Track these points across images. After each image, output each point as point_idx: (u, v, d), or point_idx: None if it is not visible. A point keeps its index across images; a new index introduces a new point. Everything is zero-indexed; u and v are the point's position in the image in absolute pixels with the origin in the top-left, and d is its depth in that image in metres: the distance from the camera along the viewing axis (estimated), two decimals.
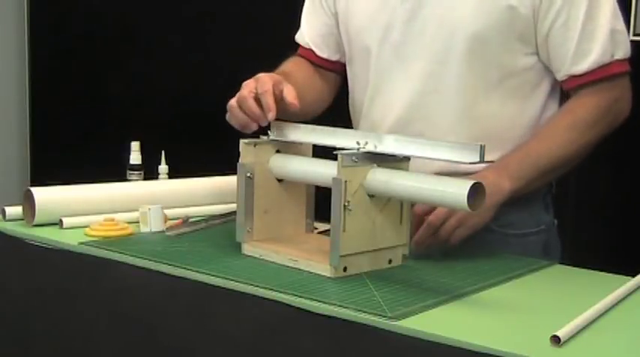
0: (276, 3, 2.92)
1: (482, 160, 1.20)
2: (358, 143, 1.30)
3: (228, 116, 1.45)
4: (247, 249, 1.39)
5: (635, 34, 2.35)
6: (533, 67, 1.51)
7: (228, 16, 3.04)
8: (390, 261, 1.33)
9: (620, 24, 1.50)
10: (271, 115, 1.38)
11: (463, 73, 1.50)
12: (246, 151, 1.39)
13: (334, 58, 1.73)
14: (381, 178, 1.26)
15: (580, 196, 2.39)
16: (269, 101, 1.38)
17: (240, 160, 1.39)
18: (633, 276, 1.30)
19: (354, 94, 1.67)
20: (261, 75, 1.44)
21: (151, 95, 3.22)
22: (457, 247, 1.40)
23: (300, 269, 1.30)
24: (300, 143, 1.41)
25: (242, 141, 1.40)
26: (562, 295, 1.26)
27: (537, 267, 1.38)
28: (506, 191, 1.42)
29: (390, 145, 1.28)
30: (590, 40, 1.47)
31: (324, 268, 1.27)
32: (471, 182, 1.16)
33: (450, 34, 1.48)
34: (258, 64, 2.82)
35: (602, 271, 1.41)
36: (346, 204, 1.24)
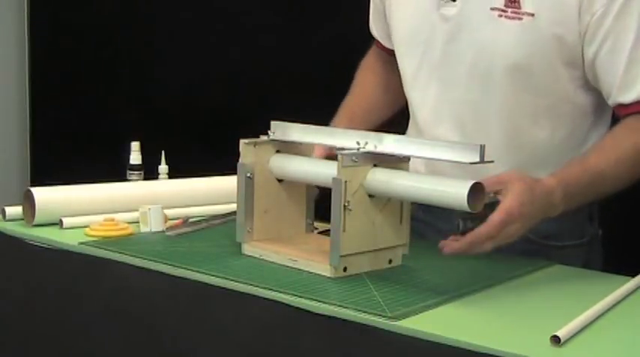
0: (275, 3, 2.91)
1: (482, 161, 1.19)
2: (358, 143, 1.29)
3: None
4: (247, 249, 1.39)
5: None
6: (582, 91, 1.45)
7: (228, 16, 3.04)
8: (390, 261, 1.33)
9: None
10: None
11: (506, 102, 1.44)
12: (246, 150, 1.39)
13: None
14: (381, 178, 1.26)
15: None
16: None
17: (240, 160, 1.39)
18: (633, 276, 1.30)
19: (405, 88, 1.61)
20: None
21: (150, 95, 3.22)
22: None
23: (300, 269, 1.30)
24: (300, 143, 1.41)
25: (242, 141, 1.40)
26: (562, 295, 1.25)
27: (537, 267, 1.38)
28: (557, 213, 1.34)
29: (389, 146, 1.28)
30: (638, 68, 1.38)
31: (324, 268, 1.27)
32: (471, 182, 1.16)
33: (490, 63, 1.43)
34: (259, 64, 2.82)
35: (602, 271, 1.41)
36: (346, 204, 1.24)
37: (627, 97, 1.39)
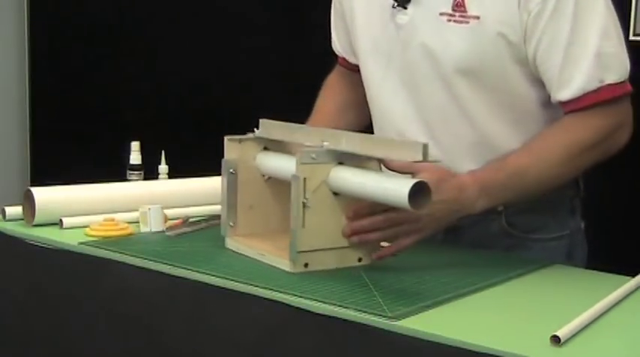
0: (276, 3, 2.92)
1: (425, 160, 1.21)
2: (322, 141, 1.32)
3: None
4: (229, 243, 1.41)
5: (635, 34, 2.35)
6: (538, 87, 1.45)
7: (229, 16, 3.04)
8: (360, 259, 1.33)
9: (611, 45, 1.39)
10: None
11: (466, 103, 1.45)
12: (230, 147, 1.42)
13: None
14: (339, 175, 1.27)
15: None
16: None
17: (224, 157, 1.42)
18: (633, 276, 1.30)
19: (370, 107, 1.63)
20: None
21: (150, 95, 3.22)
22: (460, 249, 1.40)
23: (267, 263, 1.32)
24: (282, 141, 1.42)
25: (226, 138, 1.43)
26: (562, 295, 1.25)
27: (537, 267, 1.38)
28: (476, 211, 1.36)
29: (349, 144, 1.29)
30: (573, 66, 1.38)
31: (286, 263, 1.29)
32: (413, 181, 1.17)
33: (443, 68, 1.45)
34: (259, 64, 2.82)
35: (602, 271, 1.41)
36: (305, 201, 1.26)
37: (563, 95, 1.40)
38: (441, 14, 1.43)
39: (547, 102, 1.45)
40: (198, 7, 3.13)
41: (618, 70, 1.40)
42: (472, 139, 1.47)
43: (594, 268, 1.42)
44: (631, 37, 2.34)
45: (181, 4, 3.18)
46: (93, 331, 1.37)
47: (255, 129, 1.45)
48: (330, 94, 1.76)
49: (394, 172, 1.28)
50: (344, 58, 1.72)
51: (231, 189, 1.42)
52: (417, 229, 1.30)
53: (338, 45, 1.73)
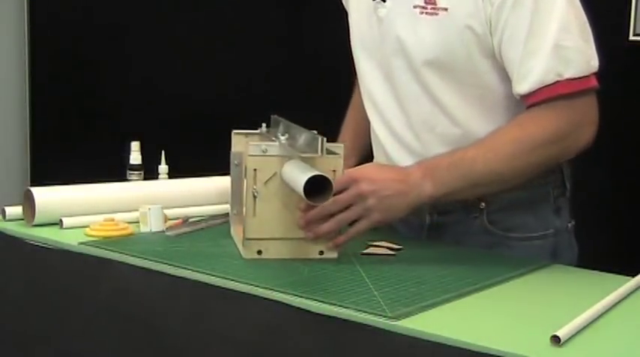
0: (277, 4, 2.92)
1: (322, 154, 1.27)
2: (281, 136, 1.39)
3: None
4: (231, 230, 1.49)
5: (635, 34, 2.35)
6: (508, 80, 1.44)
7: (229, 16, 3.05)
8: (321, 252, 1.36)
9: (571, 39, 1.37)
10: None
11: (440, 95, 1.47)
12: (237, 140, 1.51)
13: None
14: (284, 169, 1.32)
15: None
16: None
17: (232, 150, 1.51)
18: (633, 276, 1.30)
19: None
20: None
21: (151, 95, 3.22)
22: (455, 248, 1.41)
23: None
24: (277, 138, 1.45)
25: (233, 132, 1.52)
26: (562, 295, 1.26)
27: (537, 267, 1.38)
28: (425, 195, 1.38)
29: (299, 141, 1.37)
30: (531, 59, 1.37)
31: (242, 250, 1.35)
32: (308, 176, 1.22)
33: (416, 60, 1.46)
34: (259, 64, 2.82)
35: (602, 271, 1.41)
36: (254, 191, 1.32)
37: (522, 88, 1.40)
38: (415, 7, 1.45)
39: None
40: (198, 7, 3.13)
41: (579, 64, 1.38)
42: (447, 130, 1.48)
43: (585, 269, 1.42)
44: (631, 37, 2.34)
45: (181, 4, 3.18)
46: (93, 331, 1.37)
47: (262, 125, 1.53)
48: (351, 121, 1.78)
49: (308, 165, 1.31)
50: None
51: (236, 179, 1.48)
52: (366, 208, 1.34)
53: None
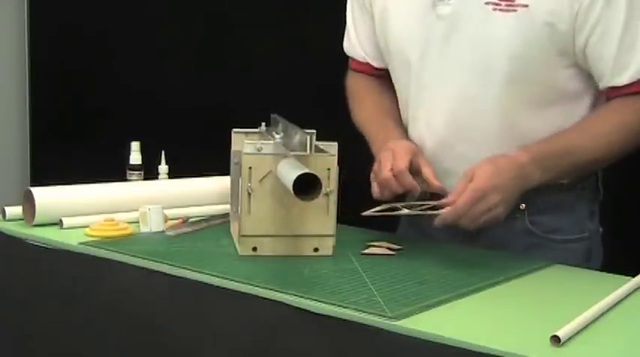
0: (278, 3, 2.92)
1: (311, 153, 1.30)
2: (277, 134, 1.40)
3: (375, 187, 1.45)
4: (231, 227, 1.50)
5: None
6: (575, 78, 1.47)
7: (229, 16, 3.04)
8: (316, 249, 1.37)
9: None
10: (414, 193, 1.43)
11: (503, 95, 1.46)
12: (237, 139, 1.52)
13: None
14: (278, 168, 1.33)
15: None
16: (407, 182, 1.42)
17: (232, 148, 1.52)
18: (633, 276, 1.30)
19: (400, 105, 1.62)
20: (398, 149, 1.45)
21: (151, 95, 3.22)
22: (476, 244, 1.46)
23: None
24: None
25: (233, 130, 1.55)
26: (562, 295, 1.26)
27: (537, 267, 1.38)
28: (534, 182, 1.42)
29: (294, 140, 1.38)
30: (629, 52, 1.41)
31: (237, 246, 1.38)
32: (298, 173, 1.23)
33: (487, 57, 1.45)
34: (259, 64, 2.82)
35: (602, 271, 1.41)
36: (248, 189, 1.33)
37: (619, 80, 1.43)
38: (487, 3, 1.43)
39: (581, 95, 1.48)
40: (198, 7, 3.13)
41: None
42: (499, 130, 1.48)
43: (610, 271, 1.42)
44: None
45: (181, 4, 3.18)
46: (93, 331, 1.37)
47: (262, 124, 1.55)
48: (379, 97, 1.68)
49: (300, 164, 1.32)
50: (367, 64, 1.69)
51: (235, 177, 1.49)
52: (494, 217, 1.37)
53: (360, 49, 1.68)
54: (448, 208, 1.35)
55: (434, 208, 1.39)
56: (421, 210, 1.41)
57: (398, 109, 1.63)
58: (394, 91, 1.63)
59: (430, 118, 1.53)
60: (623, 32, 1.41)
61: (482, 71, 1.46)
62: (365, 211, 1.39)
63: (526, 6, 1.40)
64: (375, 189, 1.44)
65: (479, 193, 1.34)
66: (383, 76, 1.67)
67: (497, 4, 1.42)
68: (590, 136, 1.45)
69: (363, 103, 1.69)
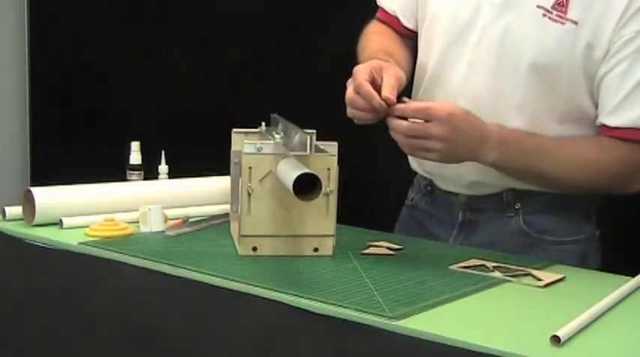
0: (278, 3, 2.91)
1: (311, 152, 1.29)
2: (277, 134, 1.41)
3: (348, 111, 1.41)
4: (231, 227, 1.50)
5: None
6: (593, 103, 1.47)
7: (228, 16, 3.04)
8: (316, 249, 1.37)
9: None
10: (375, 101, 1.35)
11: (527, 97, 1.46)
12: (237, 139, 1.52)
13: (417, 29, 1.64)
14: (278, 167, 1.32)
15: None
16: (364, 91, 1.36)
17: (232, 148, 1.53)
18: (633, 276, 1.30)
19: (416, 76, 1.61)
20: (361, 67, 1.40)
21: (150, 95, 3.22)
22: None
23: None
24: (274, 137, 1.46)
25: (233, 130, 1.55)
26: (562, 295, 1.25)
27: (537, 267, 1.38)
28: (487, 162, 1.40)
29: (295, 140, 1.38)
30: (636, 99, 1.41)
31: (237, 246, 1.38)
32: (298, 173, 1.22)
33: (521, 58, 1.44)
34: (259, 64, 2.82)
35: (602, 271, 1.41)
36: (249, 189, 1.33)
37: (613, 120, 1.42)
38: (539, 7, 1.43)
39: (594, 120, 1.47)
40: (198, 7, 3.13)
41: None
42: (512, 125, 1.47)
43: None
44: None
45: (182, 5, 3.18)
46: (93, 331, 1.37)
47: (262, 123, 1.55)
48: (393, 43, 1.64)
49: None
50: (395, 18, 1.66)
51: (235, 177, 1.49)
52: (430, 149, 1.35)
53: (394, 4, 1.66)
54: (399, 121, 1.34)
55: None
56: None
57: (407, 64, 1.60)
58: (412, 56, 1.62)
59: (453, 101, 1.49)
60: None
61: (513, 69, 1.45)
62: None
63: (575, 22, 1.40)
64: (348, 110, 1.41)
65: (430, 115, 1.33)
66: (402, 37, 1.64)
67: (548, 12, 1.42)
68: (566, 154, 1.43)
69: (369, 44, 1.64)
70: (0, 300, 1.51)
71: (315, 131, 1.34)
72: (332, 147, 1.35)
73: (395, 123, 1.34)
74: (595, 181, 1.45)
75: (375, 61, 1.42)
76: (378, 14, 1.71)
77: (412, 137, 1.35)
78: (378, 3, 1.71)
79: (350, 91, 1.39)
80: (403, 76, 1.42)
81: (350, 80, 1.41)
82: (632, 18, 1.39)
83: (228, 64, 2.98)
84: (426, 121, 1.33)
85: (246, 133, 1.54)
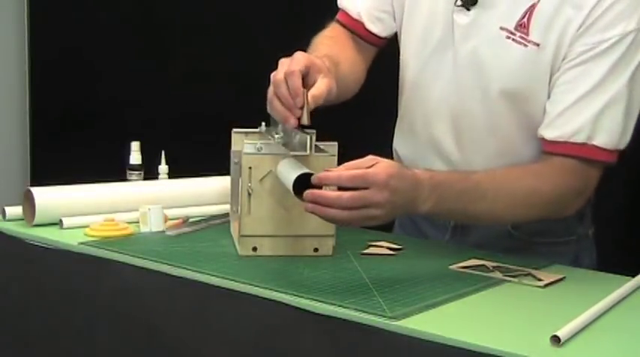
0: (274, 4, 2.92)
1: (311, 153, 1.28)
2: (276, 134, 1.40)
3: (268, 108, 1.37)
4: (231, 227, 1.50)
5: None
6: None
7: (228, 16, 3.04)
8: (316, 250, 1.37)
9: (618, 111, 1.38)
10: (299, 100, 1.29)
11: (500, 119, 1.45)
12: (237, 139, 1.52)
13: (383, 34, 1.60)
14: (278, 167, 1.32)
15: None
16: (293, 81, 1.30)
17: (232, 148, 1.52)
18: (633, 276, 1.30)
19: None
20: (298, 55, 1.36)
21: (151, 95, 3.22)
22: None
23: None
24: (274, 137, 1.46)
25: (233, 130, 1.54)
26: (562, 295, 1.25)
27: (537, 267, 1.38)
28: (422, 211, 1.31)
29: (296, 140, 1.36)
30: (574, 113, 1.38)
31: (237, 246, 1.37)
32: (298, 173, 1.23)
33: (489, 82, 1.44)
34: (259, 64, 2.81)
35: (594, 267, 1.40)
36: (249, 189, 1.33)
37: (549, 133, 1.40)
38: (502, 29, 1.42)
39: None
40: (198, 7, 3.13)
41: (611, 136, 1.38)
42: (496, 154, 1.48)
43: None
44: None
45: (181, 4, 3.18)
46: (93, 331, 1.37)
47: (262, 123, 1.53)
48: (341, 48, 1.57)
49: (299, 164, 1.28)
50: (360, 23, 1.60)
51: (235, 177, 1.49)
52: (371, 217, 1.22)
53: (359, 6, 1.60)
54: (338, 194, 1.19)
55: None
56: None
57: (354, 79, 1.55)
58: (365, 68, 1.59)
59: (431, 120, 1.52)
60: (586, 93, 1.37)
61: (484, 92, 1.45)
62: None
63: (537, 44, 1.40)
64: (269, 90, 1.35)
65: (367, 184, 1.20)
66: (362, 40, 1.60)
67: (512, 33, 1.41)
68: (499, 190, 1.37)
69: (319, 46, 1.56)
70: (0, 300, 1.51)
71: (315, 131, 1.33)
72: (332, 147, 1.35)
73: (333, 196, 1.19)
74: (537, 213, 1.41)
75: (320, 61, 1.37)
76: (338, 16, 1.64)
77: (353, 209, 1.20)
78: (339, 5, 1.64)
79: (280, 73, 1.33)
80: (334, 91, 1.35)
81: (284, 60, 1.35)
82: (587, 31, 1.37)
83: (228, 64, 2.98)
84: (363, 188, 1.21)
85: (246, 133, 1.54)
